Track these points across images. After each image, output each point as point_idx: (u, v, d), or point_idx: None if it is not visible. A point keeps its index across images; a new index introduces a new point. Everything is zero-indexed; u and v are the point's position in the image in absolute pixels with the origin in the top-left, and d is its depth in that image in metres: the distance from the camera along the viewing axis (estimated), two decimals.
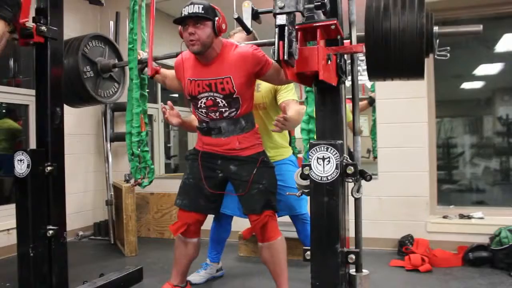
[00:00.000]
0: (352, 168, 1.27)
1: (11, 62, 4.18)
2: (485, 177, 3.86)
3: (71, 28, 4.03)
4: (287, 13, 1.06)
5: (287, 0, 1.06)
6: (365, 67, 1.55)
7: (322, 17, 1.23)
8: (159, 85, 5.01)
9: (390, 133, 3.42)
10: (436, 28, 1.51)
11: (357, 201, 1.41)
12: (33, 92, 2.12)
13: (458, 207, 3.50)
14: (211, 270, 2.78)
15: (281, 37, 1.05)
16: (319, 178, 1.25)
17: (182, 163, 5.27)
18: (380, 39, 1.44)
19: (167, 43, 4.84)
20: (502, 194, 3.79)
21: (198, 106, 2.14)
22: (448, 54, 1.53)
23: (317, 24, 1.20)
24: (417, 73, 1.54)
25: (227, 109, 2.10)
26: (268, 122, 2.45)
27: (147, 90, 2.56)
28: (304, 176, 1.33)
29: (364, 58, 1.50)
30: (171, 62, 2.46)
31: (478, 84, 4.17)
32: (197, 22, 1.96)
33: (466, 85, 4.16)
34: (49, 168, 1.92)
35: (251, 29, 1.14)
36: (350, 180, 1.31)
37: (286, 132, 2.60)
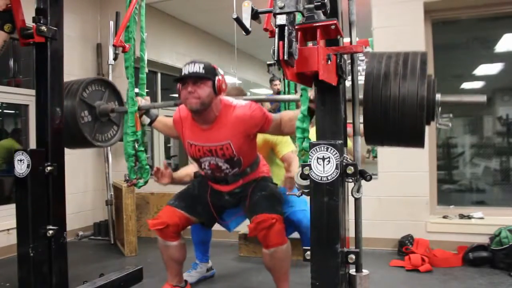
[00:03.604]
0: (352, 168, 1.27)
1: (11, 62, 4.17)
2: (485, 177, 3.86)
3: (71, 28, 4.04)
4: (287, 13, 1.06)
5: (287, 0, 1.06)
6: (365, 67, 1.52)
7: (322, 17, 1.22)
8: (159, 85, 5.02)
9: None
10: (438, 96, 1.45)
11: (357, 201, 1.41)
12: (33, 92, 2.12)
13: (458, 207, 3.51)
14: (201, 269, 2.79)
15: (281, 37, 1.05)
16: (319, 178, 1.25)
17: (182, 163, 5.27)
18: (379, 106, 1.40)
19: (168, 44, 4.85)
20: (502, 194, 3.78)
21: (202, 167, 2.23)
22: (450, 124, 1.47)
23: (317, 24, 1.20)
24: (416, 142, 1.49)
25: (230, 170, 2.18)
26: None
27: (146, 90, 2.55)
28: (304, 176, 1.33)
29: (363, 58, 1.48)
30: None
31: (478, 84, 4.16)
32: (197, 81, 1.98)
33: (466, 85, 4.15)
34: (49, 168, 1.92)
35: (250, 29, 1.13)
36: (350, 180, 1.31)
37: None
